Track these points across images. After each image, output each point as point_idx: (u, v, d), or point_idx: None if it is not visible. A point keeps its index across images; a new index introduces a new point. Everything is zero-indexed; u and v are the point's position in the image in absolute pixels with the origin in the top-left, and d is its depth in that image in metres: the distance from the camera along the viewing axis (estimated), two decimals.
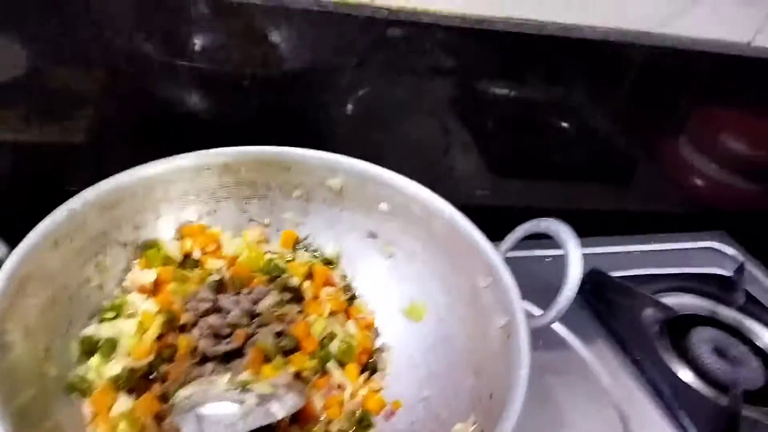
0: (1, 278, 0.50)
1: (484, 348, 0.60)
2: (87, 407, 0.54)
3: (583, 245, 0.98)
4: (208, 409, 0.50)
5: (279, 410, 0.51)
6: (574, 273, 0.55)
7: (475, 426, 0.53)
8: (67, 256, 0.58)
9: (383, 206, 0.71)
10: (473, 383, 0.59)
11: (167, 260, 0.66)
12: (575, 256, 0.55)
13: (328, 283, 0.70)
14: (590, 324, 0.86)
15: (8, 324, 0.49)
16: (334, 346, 0.64)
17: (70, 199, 0.58)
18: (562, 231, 0.57)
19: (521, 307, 0.56)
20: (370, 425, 0.61)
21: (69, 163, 0.82)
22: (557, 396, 0.75)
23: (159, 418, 0.56)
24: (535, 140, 1.07)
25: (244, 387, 0.54)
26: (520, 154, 1.09)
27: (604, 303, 0.89)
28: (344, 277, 0.74)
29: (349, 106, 0.91)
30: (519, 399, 0.48)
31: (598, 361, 0.81)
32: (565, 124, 1.09)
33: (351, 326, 0.68)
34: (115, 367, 0.56)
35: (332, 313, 0.68)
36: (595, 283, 0.92)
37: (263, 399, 0.52)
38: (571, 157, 1.10)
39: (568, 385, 0.77)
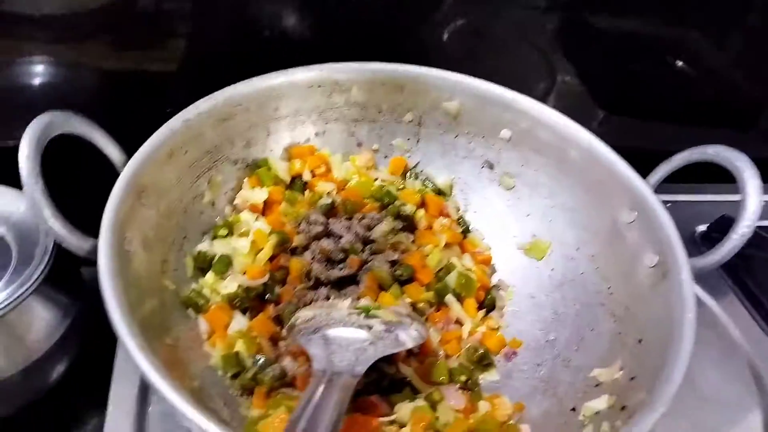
0: (119, 185, 0.47)
1: (628, 290, 0.53)
2: (203, 324, 0.52)
3: (708, 192, 0.90)
4: (335, 332, 0.46)
5: (407, 339, 0.47)
6: (752, 207, 0.47)
7: (622, 372, 0.47)
8: (182, 169, 0.55)
9: (505, 133, 0.65)
10: (613, 327, 0.53)
11: (277, 180, 0.62)
12: (753, 186, 0.47)
13: (442, 213, 0.65)
14: (720, 277, 0.78)
15: (128, 232, 0.47)
16: (452, 279, 0.59)
17: (185, 109, 0.55)
18: (737, 159, 0.49)
19: (680, 244, 0.49)
20: (490, 364, 0.56)
21: (166, 88, 0.79)
22: None
23: (273, 339, 0.54)
24: (648, 78, 0.97)
25: (368, 313, 0.50)
26: (632, 92, 1.00)
27: (737, 255, 0.80)
28: (457, 209, 0.68)
29: (448, 35, 0.83)
30: (687, 345, 0.42)
31: (729, 315, 0.73)
32: (680, 63, 0.99)
33: (467, 260, 0.63)
34: (231, 285, 0.54)
35: (447, 245, 0.63)
36: (723, 231, 0.83)
37: (389, 326, 0.48)
38: (688, 97, 0.99)
39: (697, 339, 0.69)
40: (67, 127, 0.45)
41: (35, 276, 0.51)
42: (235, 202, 0.60)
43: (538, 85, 0.92)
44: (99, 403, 0.55)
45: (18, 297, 0.50)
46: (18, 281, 0.51)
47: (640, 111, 1.00)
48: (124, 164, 0.49)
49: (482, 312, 0.61)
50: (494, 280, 0.64)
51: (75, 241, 0.43)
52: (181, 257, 0.55)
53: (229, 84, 0.59)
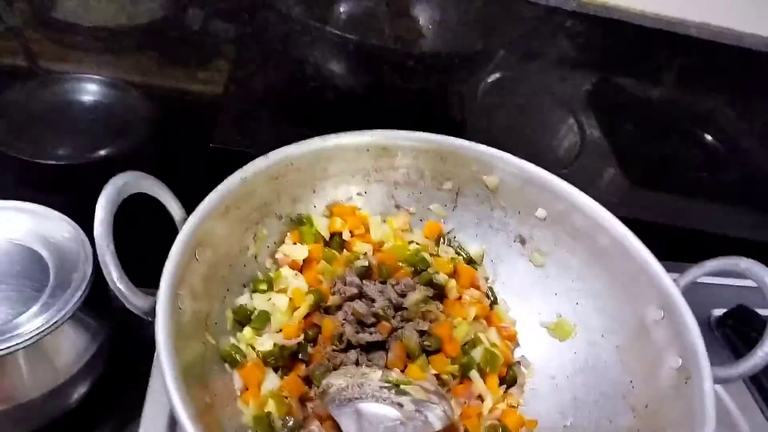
0: (179, 242, 0.49)
1: (650, 387, 0.55)
2: (238, 380, 0.54)
3: (726, 275, 0.91)
4: (368, 407, 0.48)
5: (436, 421, 0.49)
6: None
7: None
8: (233, 224, 0.57)
9: (540, 212, 0.67)
10: (632, 423, 0.54)
11: (317, 237, 0.65)
12: None
13: (473, 284, 0.67)
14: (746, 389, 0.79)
15: (181, 290, 0.49)
16: (478, 354, 0.61)
17: (243, 168, 0.57)
18: (767, 275, 0.50)
19: (704, 352, 0.51)
20: None
21: (210, 119, 0.82)
22: None
23: (302, 400, 0.56)
24: (679, 152, 0.99)
25: (398, 388, 0.51)
26: (660, 165, 1.02)
27: (750, 343, 0.81)
28: (486, 278, 0.70)
29: (484, 94, 0.86)
30: None
31: (739, 408, 0.74)
32: (711, 139, 1.01)
33: (493, 334, 0.64)
34: (267, 342, 0.56)
35: (475, 318, 0.64)
36: (739, 321, 0.84)
37: (419, 406, 0.50)
38: (720, 176, 1.01)
39: None
40: (138, 188, 0.47)
41: (72, 302, 0.52)
42: (277, 256, 0.62)
43: (567, 153, 0.95)
44: (119, 423, 0.57)
45: (54, 323, 0.51)
46: (55, 307, 0.51)
47: (669, 185, 1.02)
48: (184, 220, 0.51)
49: (503, 388, 0.62)
50: (517, 355, 0.66)
51: (137, 302, 0.45)
52: (222, 310, 0.56)
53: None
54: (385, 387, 0.51)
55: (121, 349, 0.60)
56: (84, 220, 0.54)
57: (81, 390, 0.57)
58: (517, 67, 0.79)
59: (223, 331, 0.56)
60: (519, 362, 0.65)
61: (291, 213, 0.65)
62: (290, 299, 0.59)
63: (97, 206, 0.43)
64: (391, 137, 0.66)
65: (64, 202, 0.60)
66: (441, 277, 0.65)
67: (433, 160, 0.69)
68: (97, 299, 0.56)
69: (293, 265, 0.62)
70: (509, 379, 0.63)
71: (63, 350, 0.54)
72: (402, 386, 0.52)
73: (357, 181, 0.68)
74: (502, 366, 0.63)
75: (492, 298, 0.69)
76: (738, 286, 0.91)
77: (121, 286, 0.44)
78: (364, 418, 0.47)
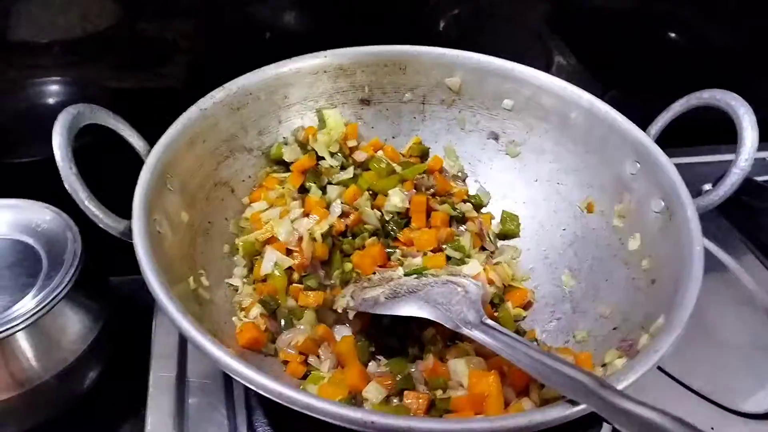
0: (146, 169, 0.50)
1: (637, 239, 0.55)
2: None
3: (711, 153, 0.92)
4: (432, 293, 0.50)
5: (474, 289, 0.50)
6: (749, 141, 0.49)
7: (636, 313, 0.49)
8: (202, 156, 0.58)
9: (507, 102, 0.67)
10: (626, 274, 0.55)
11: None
12: (749, 121, 0.49)
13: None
14: (729, 231, 0.79)
15: (156, 215, 0.49)
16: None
17: (201, 99, 0.58)
18: (731, 99, 0.51)
19: (684, 186, 0.51)
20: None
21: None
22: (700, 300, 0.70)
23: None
24: (643, 51, 0.98)
25: (423, 274, 0.53)
26: (624, 65, 1.01)
27: (745, 209, 0.81)
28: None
29: (445, 21, 0.85)
30: (698, 272, 0.44)
31: (741, 267, 0.75)
32: (672, 34, 1.00)
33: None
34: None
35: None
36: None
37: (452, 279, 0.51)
38: (678, 67, 1.01)
39: (713, 290, 0.71)
40: (93, 118, 0.48)
41: (66, 280, 0.53)
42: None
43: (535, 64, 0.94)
44: (134, 406, 0.56)
45: (51, 300, 0.51)
46: (50, 286, 0.52)
47: (637, 83, 1.01)
48: (148, 152, 0.51)
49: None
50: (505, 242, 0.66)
51: (110, 222, 0.45)
52: (207, 242, 0.57)
53: None
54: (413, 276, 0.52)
55: (127, 334, 0.60)
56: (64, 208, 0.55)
57: (91, 373, 0.58)
58: None
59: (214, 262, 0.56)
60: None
61: (260, 145, 0.65)
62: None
63: (53, 133, 0.43)
64: (345, 54, 0.66)
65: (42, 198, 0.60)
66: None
67: (393, 72, 0.69)
68: (95, 282, 0.57)
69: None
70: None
71: (66, 331, 0.55)
72: (425, 272, 0.52)
73: (321, 107, 0.68)
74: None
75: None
76: (723, 161, 0.90)
77: (91, 206, 0.44)
78: (438, 302, 0.47)
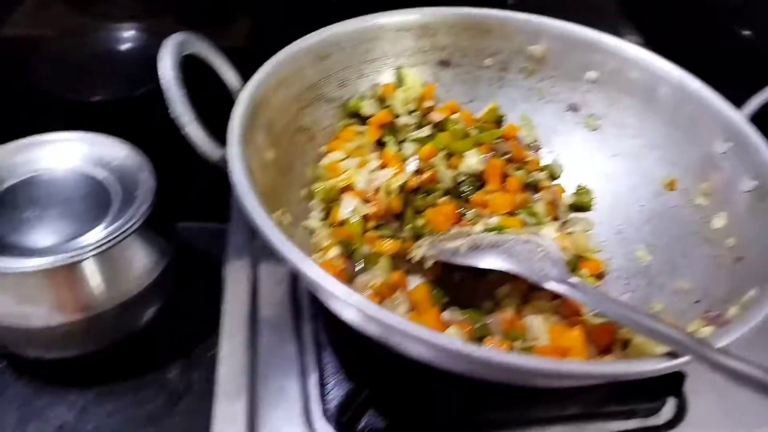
0: (240, 103, 0.50)
1: (722, 218, 0.54)
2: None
3: None
4: (514, 248, 0.49)
5: (554, 249, 0.50)
6: None
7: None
8: (287, 100, 0.58)
9: (591, 74, 0.66)
10: (708, 251, 0.53)
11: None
12: None
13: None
14: None
15: (248, 148, 0.49)
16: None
17: (290, 44, 0.58)
18: None
19: None
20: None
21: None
22: None
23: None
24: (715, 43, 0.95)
25: (501, 231, 0.53)
26: (696, 57, 0.98)
27: None
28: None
29: None
30: None
31: None
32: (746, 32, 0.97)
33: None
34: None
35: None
36: None
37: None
38: (750, 63, 0.97)
39: None
40: (196, 47, 0.48)
41: (138, 214, 0.54)
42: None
43: None
44: (185, 345, 0.59)
45: (122, 233, 0.52)
46: (121, 219, 0.53)
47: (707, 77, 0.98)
48: (238, 90, 0.52)
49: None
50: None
51: (209, 148, 0.46)
52: (287, 184, 0.57)
53: None
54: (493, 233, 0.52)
55: (187, 276, 0.62)
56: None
57: (152, 307, 0.59)
58: None
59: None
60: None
61: (340, 97, 0.65)
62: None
63: (161, 55, 0.44)
64: (430, 14, 0.66)
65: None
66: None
67: (476, 36, 0.68)
68: (162, 221, 0.58)
69: None
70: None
71: (133, 265, 0.56)
72: (503, 230, 0.52)
73: (401, 65, 0.68)
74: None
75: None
76: None
77: (192, 129, 0.45)
78: (521, 258, 0.47)
